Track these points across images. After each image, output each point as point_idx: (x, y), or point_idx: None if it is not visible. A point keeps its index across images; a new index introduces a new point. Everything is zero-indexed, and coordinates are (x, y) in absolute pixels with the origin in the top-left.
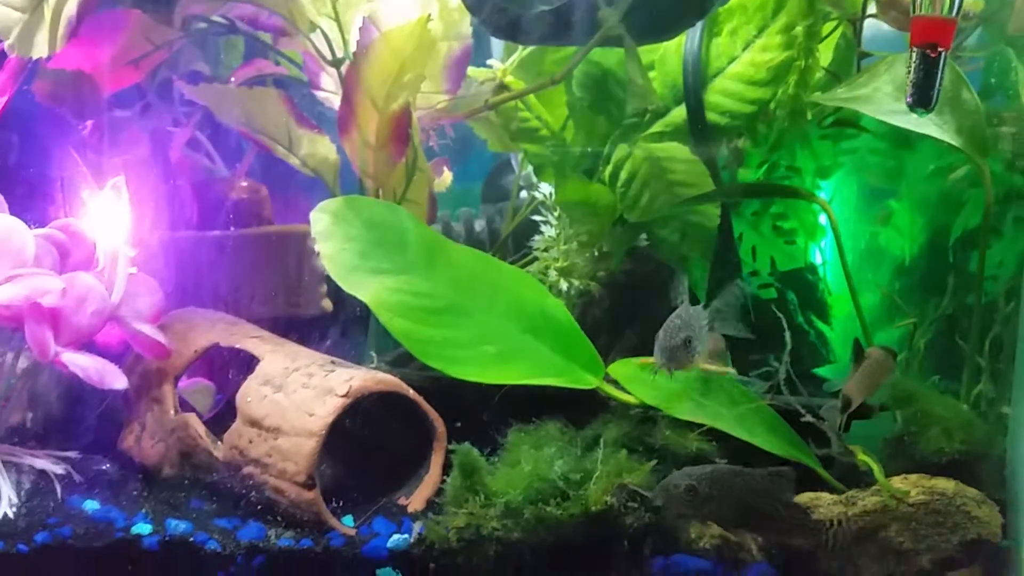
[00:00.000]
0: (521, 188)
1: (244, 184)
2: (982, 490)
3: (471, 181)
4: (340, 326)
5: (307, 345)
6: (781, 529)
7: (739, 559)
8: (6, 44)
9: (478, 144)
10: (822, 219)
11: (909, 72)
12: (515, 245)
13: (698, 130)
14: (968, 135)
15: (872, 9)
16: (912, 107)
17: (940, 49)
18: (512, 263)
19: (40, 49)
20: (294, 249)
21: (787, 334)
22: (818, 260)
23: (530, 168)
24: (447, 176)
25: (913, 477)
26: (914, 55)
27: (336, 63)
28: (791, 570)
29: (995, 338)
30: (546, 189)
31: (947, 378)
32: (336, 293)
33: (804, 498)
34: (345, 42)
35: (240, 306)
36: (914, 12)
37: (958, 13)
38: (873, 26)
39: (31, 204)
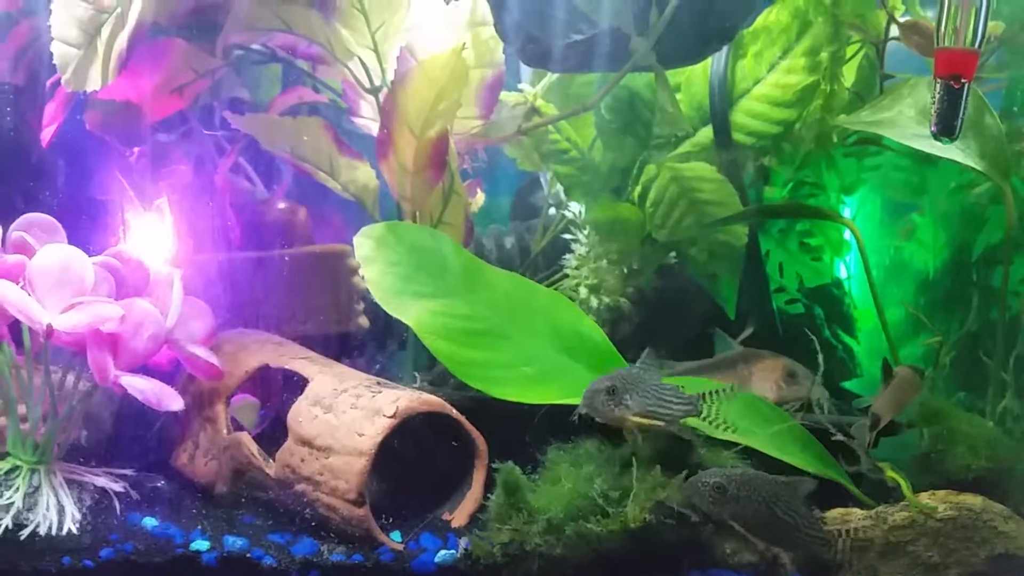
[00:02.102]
0: (551, 206)
1: (283, 205)
2: (1009, 505)
3: (498, 196)
4: (378, 344)
5: (345, 361)
6: (796, 538)
7: (775, 573)
8: (63, 79)
9: (505, 162)
10: (847, 235)
11: (933, 102)
12: (545, 262)
13: (724, 150)
14: (991, 159)
15: (895, 32)
16: (936, 136)
17: (963, 80)
18: (542, 280)
19: (94, 82)
20: (331, 268)
21: (819, 356)
22: (843, 274)
23: (559, 186)
24: (480, 198)
25: (941, 493)
26: (938, 86)
27: (374, 91)
28: None
29: (1020, 354)
30: (575, 208)
31: (972, 394)
32: (375, 314)
33: (835, 513)
34: (383, 71)
35: (279, 324)
36: (937, 44)
37: (981, 45)
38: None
39: (84, 230)
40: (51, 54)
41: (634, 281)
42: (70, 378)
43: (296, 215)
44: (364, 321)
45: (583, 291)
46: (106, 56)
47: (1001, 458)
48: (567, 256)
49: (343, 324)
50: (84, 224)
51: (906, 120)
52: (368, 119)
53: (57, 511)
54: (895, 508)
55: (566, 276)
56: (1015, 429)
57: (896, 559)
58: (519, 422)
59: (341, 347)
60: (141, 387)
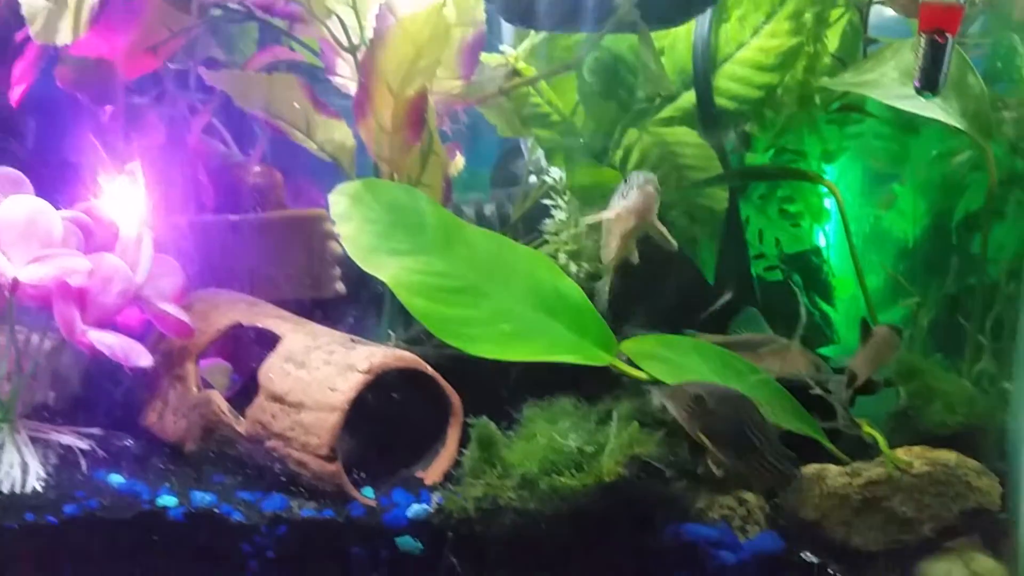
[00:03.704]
0: (531, 172)
1: (258, 169)
2: (982, 462)
3: (478, 167)
4: (356, 307)
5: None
6: (760, 464)
7: (747, 527)
8: (32, 31)
9: (485, 131)
10: (827, 202)
11: (917, 57)
12: (525, 228)
13: (707, 115)
14: (973, 118)
15: None
16: (920, 91)
17: (947, 35)
18: None
19: (64, 36)
20: (307, 232)
21: (802, 309)
22: (822, 243)
23: (540, 153)
24: (459, 160)
25: (916, 449)
26: (922, 40)
27: (352, 49)
28: (796, 537)
29: (997, 317)
30: (556, 173)
31: (950, 356)
32: (352, 275)
33: (810, 470)
34: (361, 28)
35: (256, 288)
36: None
37: (965, 1)
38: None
39: (54, 187)
40: (19, 6)
41: None
42: (35, 336)
43: (272, 178)
44: (340, 287)
45: (562, 257)
46: (77, 8)
47: (976, 415)
48: (546, 221)
49: (319, 289)
50: (55, 183)
51: (889, 81)
52: (346, 78)
53: (21, 469)
54: (871, 464)
55: (545, 242)
56: (991, 391)
57: (871, 514)
58: (496, 380)
59: (316, 311)
60: (108, 342)
